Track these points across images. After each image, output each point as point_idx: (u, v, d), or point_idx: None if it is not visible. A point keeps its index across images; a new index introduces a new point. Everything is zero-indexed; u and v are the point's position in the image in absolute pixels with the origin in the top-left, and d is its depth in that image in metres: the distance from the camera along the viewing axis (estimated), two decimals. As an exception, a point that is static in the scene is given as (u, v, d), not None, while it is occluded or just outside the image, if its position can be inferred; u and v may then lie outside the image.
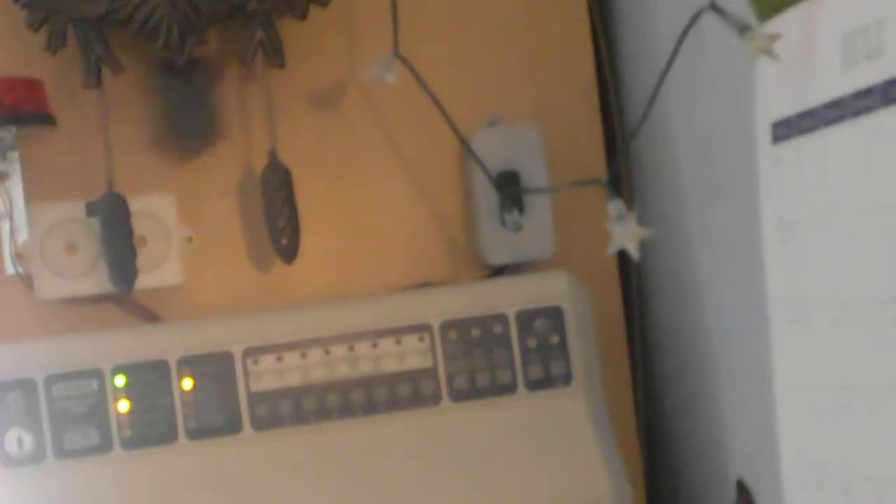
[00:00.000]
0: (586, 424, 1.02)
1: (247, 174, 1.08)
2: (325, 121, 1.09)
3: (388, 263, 1.09)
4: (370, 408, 1.01)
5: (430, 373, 1.02)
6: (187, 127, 1.06)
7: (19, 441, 0.98)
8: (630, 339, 1.11)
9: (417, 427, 1.01)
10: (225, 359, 1.00)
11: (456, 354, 1.02)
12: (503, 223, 1.07)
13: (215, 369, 1.00)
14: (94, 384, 0.98)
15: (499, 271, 1.10)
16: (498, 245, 1.08)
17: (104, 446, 0.98)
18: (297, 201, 1.05)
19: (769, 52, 0.74)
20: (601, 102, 1.13)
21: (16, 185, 1.03)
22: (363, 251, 1.09)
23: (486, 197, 1.08)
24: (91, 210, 1.02)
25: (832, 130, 0.69)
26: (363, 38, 1.09)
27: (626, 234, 0.85)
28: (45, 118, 1.01)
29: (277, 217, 1.04)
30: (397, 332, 1.02)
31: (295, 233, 1.05)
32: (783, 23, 0.74)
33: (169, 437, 0.99)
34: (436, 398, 1.02)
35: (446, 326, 1.02)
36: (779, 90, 0.75)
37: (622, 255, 1.01)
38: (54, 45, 0.99)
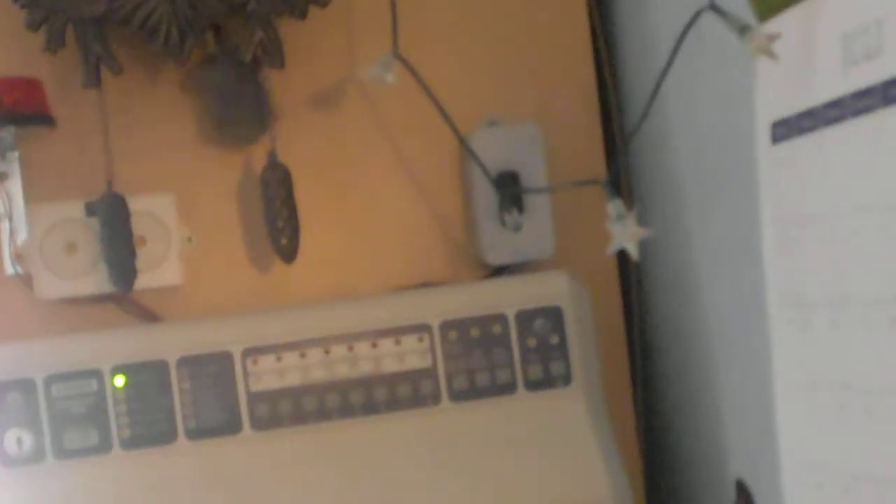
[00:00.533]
0: (586, 424, 1.02)
1: (247, 174, 1.08)
2: (325, 121, 1.09)
3: (388, 263, 1.09)
4: (370, 408, 1.01)
5: (430, 373, 1.02)
6: (240, 117, 1.05)
7: (19, 441, 0.98)
8: (630, 339, 1.11)
9: (417, 427, 1.01)
10: (224, 359, 1.00)
11: (456, 354, 1.02)
12: (503, 223, 1.07)
13: (215, 369, 1.00)
14: (94, 384, 0.98)
15: (499, 271, 1.10)
16: (498, 245, 1.08)
17: (104, 446, 0.98)
18: (297, 201, 1.05)
19: (769, 52, 0.74)
20: (601, 102, 1.13)
21: (15, 185, 1.03)
22: (363, 251, 1.09)
23: (486, 197, 1.08)
24: (91, 210, 1.02)
25: (832, 130, 0.69)
26: (363, 38, 1.09)
27: (625, 234, 0.85)
28: (44, 118, 1.02)
29: (277, 217, 1.04)
30: (397, 332, 1.02)
31: (294, 233, 1.05)
32: (783, 23, 0.74)
33: (168, 437, 0.99)
34: (435, 398, 1.02)
35: (446, 326, 1.02)
36: (778, 90, 0.75)
37: (622, 255, 1.01)
38: (54, 45, 0.99)
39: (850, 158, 0.67)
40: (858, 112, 0.66)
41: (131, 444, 0.98)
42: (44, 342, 1.01)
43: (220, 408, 0.99)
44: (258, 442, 1.00)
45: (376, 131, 1.10)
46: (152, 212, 1.03)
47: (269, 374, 1.00)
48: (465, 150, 1.08)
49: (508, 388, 1.02)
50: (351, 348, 1.01)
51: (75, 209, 1.02)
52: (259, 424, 1.00)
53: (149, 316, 1.06)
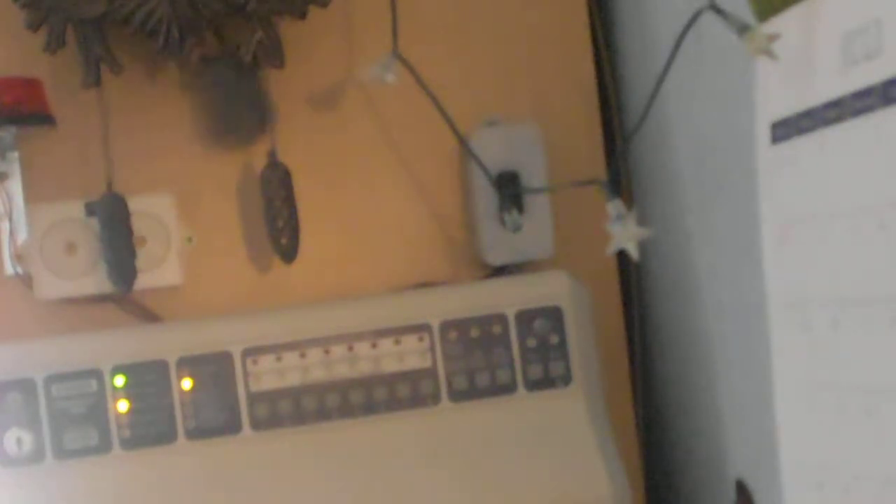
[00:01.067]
0: (586, 424, 1.02)
1: (247, 174, 1.08)
2: (325, 121, 1.09)
3: (388, 263, 1.09)
4: (370, 408, 1.01)
5: (430, 373, 1.02)
6: (241, 116, 1.05)
7: (19, 441, 0.98)
8: (630, 339, 1.11)
9: (417, 427, 1.01)
10: (224, 359, 1.00)
11: (455, 354, 1.02)
12: (503, 223, 1.07)
13: (215, 369, 1.00)
14: (94, 384, 0.98)
15: (498, 271, 1.10)
16: (498, 245, 1.08)
17: (104, 446, 0.98)
18: (297, 201, 1.05)
19: (769, 52, 0.74)
20: (601, 102, 1.13)
21: (15, 185, 1.03)
22: (363, 251, 1.09)
23: (486, 197, 1.08)
24: (91, 210, 1.02)
25: (832, 130, 0.69)
26: (363, 38, 1.09)
27: (625, 234, 0.85)
28: (45, 118, 1.01)
29: (277, 217, 1.04)
30: (397, 332, 1.02)
31: (294, 233, 1.05)
32: (783, 23, 0.74)
33: (168, 437, 0.99)
34: (435, 398, 1.02)
35: (446, 326, 1.02)
36: (778, 90, 0.75)
37: (622, 255, 1.01)
38: (54, 45, 0.99)
39: (850, 158, 0.67)
40: (858, 112, 0.66)
41: (131, 444, 0.98)
42: (44, 342, 1.01)
43: (220, 408, 0.99)
44: (258, 442, 1.00)
45: (376, 131, 1.10)
46: (152, 212, 1.03)
47: (269, 374, 1.00)
48: (465, 150, 1.08)
49: (508, 388, 1.02)
50: (351, 348, 1.01)
51: (75, 209, 1.02)
52: (259, 424, 1.00)
53: (149, 316, 1.06)
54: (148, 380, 0.99)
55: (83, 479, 0.98)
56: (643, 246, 0.86)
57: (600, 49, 1.12)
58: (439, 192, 1.10)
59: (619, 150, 1.10)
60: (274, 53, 1.03)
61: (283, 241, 1.04)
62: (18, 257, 1.03)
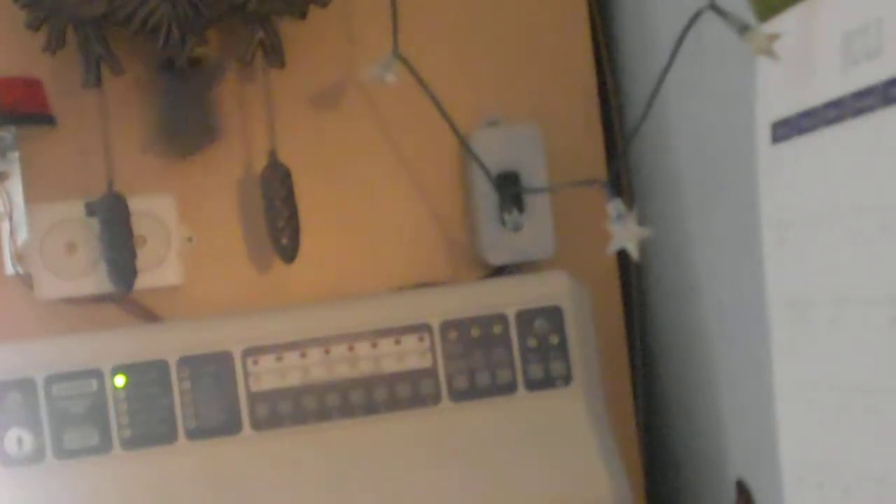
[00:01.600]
0: (586, 424, 1.02)
1: (247, 174, 1.08)
2: (325, 121, 1.09)
3: (388, 263, 1.09)
4: (370, 408, 1.01)
5: (430, 373, 1.02)
6: (185, 127, 1.06)
7: (19, 441, 0.98)
8: (630, 339, 1.11)
9: (417, 427, 1.01)
10: (225, 359, 1.00)
11: (456, 354, 1.02)
12: (503, 223, 1.07)
13: (215, 369, 1.00)
14: (94, 384, 0.98)
15: (499, 271, 1.10)
16: (498, 245, 1.08)
17: (104, 446, 0.98)
18: (297, 201, 1.05)
19: (769, 52, 0.74)
20: (601, 102, 1.13)
21: (16, 185, 1.03)
22: (363, 251, 1.09)
23: (486, 197, 1.08)
24: (91, 210, 1.02)
25: (832, 130, 0.69)
26: (363, 38, 1.09)
27: (625, 234, 0.85)
28: (45, 118, 1.01)
29: (277, 217, 1.04)
30: (397, 332, 1.02)
31: (295, 233, 1.05)
32: (783, 23, 0.74)
33: (169, 437, 0.99)
34: (435, 398, 1.02)
35: (446, 326, 1.02)
36: (779, 90, 0.75)
37: (622, 255, 1.01)
38: (54, 45, 0.99)
39: (850, 158, 0.67)
40: (858, 112, 0.66)
41: (131, 444, 0.98)
42: (44, 342, 1.01)
43: (221, 408, 0.99)
44: (258, 442, 1.00)
45: (376, 131, 1.10)
46: (152, 212, 1.03)
47: (270, 374, 1.00)
48: (465, 150, 1.08)
49: (508, 388, 1.02)
50: (351, 348, 1.01)
51: (75, 209, 1.02)
52: (259, 424, 1.00)
53: (149, 316, 1.06)
54: (148, 380, 0.99)
55: (83, 479, 0.98)
56: (643, 246, 0.86)
57: (600, 49, 1.12)
58: (439, 192, 1.10)
59: (619, 150, 1.10)
60: (274, 53, 1.03)
61: (283, 241, 1.04)
62: (18, 257, 1.03)
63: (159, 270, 1.04)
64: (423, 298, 1.05)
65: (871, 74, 0.64)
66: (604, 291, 1.10)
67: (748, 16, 0.77)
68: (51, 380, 0.98)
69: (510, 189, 1.07)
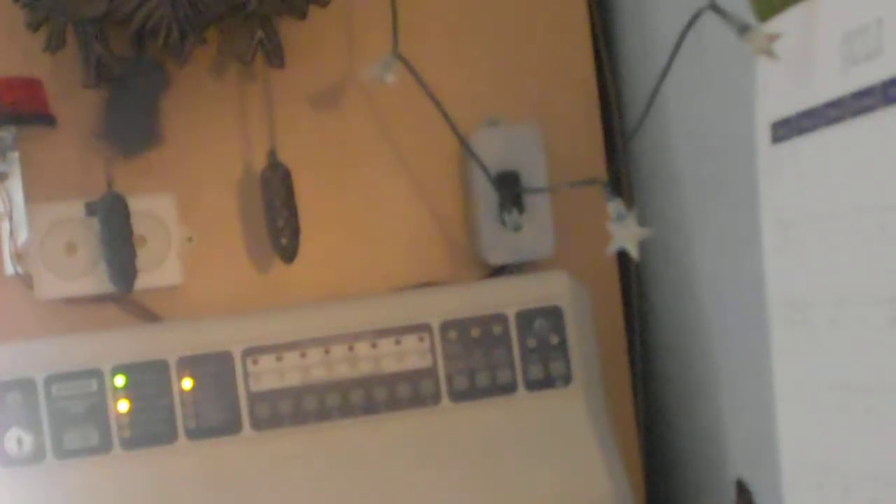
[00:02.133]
0: (586, 424, 1.02)
1: (247, 174, 1.08)
2: (325, 121, 1.09)
3: (388, 263, 1.09)
4: (370, 408, 1.01)
5: (430, 373, 1.02)
6: (127, 130, 1.06)
7: (19, 441, 0.98)
8: (630, 339, 1.11)
9: (417, 427, 1.01)
10: (225, 359, 1.00)
11: (456, 354, 1.02)
12: (503, 223, 1.07)
13: (215, 369, 1.00)
14: (94, 384, 0.98)
15: (499, 271, 1.10)
16: (498, 245, 1.08)
17: (104, 446, 0.98)
18: (297, 201, 1.05)
19: (769, 52, 0.74)
20: (601, 102, 1.13)
21: (16, 185, 1.03)
22: (363, 251, 1.09)
23: (486, 197, 1.08)
24: (91, 210, 1.02)
25: (832, 130, 0.69)
26: (363, 38, 1.09)
27: (625, 234, 0.85)
28: (45, 118, 1.01)
29: (277, 217, 1.04)
30: (397, 332, 1.02)
31: (295, 233, 1.05)
32: (783, 23, 0.74)
33: (169, 437, 0.99)
34: (435, 398, 1.02)
35: (446, 326, 1.02)
36: (779, 90, 0.75)
37: (622, 255, 1.01)
38: (54, 45, 0.99)
39: (850, 158, 0.67)
40: (858, 112, 0.66)
41: (131, 444, 0.98)
42: (44, 342, 1.01)
43: (221, 408, 0.99)
44: (258, 442, 1.00)
45: (376, 131, 1.10)
46: (152, 212, 1.03)
47: (269, 374, 1.00)
48: (465, 150, 1.08)
49: (508, 388, 1.02)
50: (351, 348, 1.01)
51: (75, 209, 1.02)
52: (259, 424, 1.00)
53: (149, 316, 1.06)
54: (148, 380, 0.99)
55: (83, 479, 0.98)
56: (643, 246, 0.86)
57: (600, 49, 1.12)
58: (439, 192, 1.10)
59: (619, 150, 1.10)
60: (274, 53, 1.03)
61: (283, 241, 1.04)
62: (18, 257, 1.03)
63: (159, 270, 1.04)
64: (423, 298, 1.05)
65: (871, 74, 0.64)
66: (604, 291, 1.10)
67: (748, 16, 0.77)
68: (51, 380, 0.98)
69: (510, 189, 1.07)
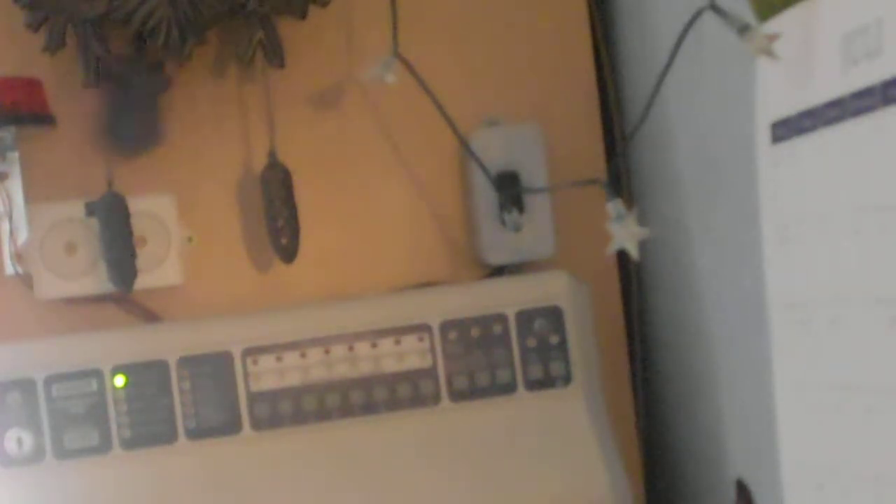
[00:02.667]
0: (586, 424, 1.02)
1: (247, 174, 1.08)
2: (325, 121, 1.09)
3: (388, 263, 1.09)
4: (370, 408, 1.01)
5: (430, 373, 1.02)
6: (128, 130, 1.06)
7: (19, 441, 0.98)
8: (630, 339, 1.11)
9: (417, 427, 1.01)
10: (224, 359, 1.00)
11: (456, 354, 1.02)
12: (503, 223, 1.07)
13: (215, 369, 1.00)
14: (94, 384, 0.98)
15: (499, 271, 1.10)
16: (498, 245, 1.08)
17: (104, 446, 0.98)
18: (297, 201, 1.05)
19: (769, 52, 0.74)
20: (601, 102, 1.13)
21: (16, 185, 1.03)
22: (363, 251, 1.09)
23: (486, 197, 1.08)
24: (91, 210, 1.02)
25: (832, 130, 0.69)
26: (363, 38, 1.09)
27: (625, 234, 0.85)
28: (45, 118, 1.01)
29: (277, 217, 1.04)
30: (397, 332, 1.02)
31: (294, 233, 1.05)
32: (783, 23, 0.74)
33: (169, 437, 0.99)
34: (435, 398, 1.02)
35: (446, 326, 1.02)
36: (779, 90, 0.75)
37: (622, 255, 1.01)
38: (54, 45, 0.99)
39: (850, 158, 0.67)
40: (858, 112, 0.66)
41: (131, 444, 0.98)
42: (44, 342, 1.01)
43: (221, 408, 0.99)
44: (258, 442, 1.00)
45: (376, 131, 1.10)
46: (152, 212, 1.03)
47: (269, 374, 1.00)
48: (465, 150, 1.08)
49: (508, 388, 1.02)
50: (351, 348, 1.01)
51: (75, 209, 1.02)
52: (259, 424, 1.00)
53: (149, 316, 1.06)
54: (148, 380, 0.99)
55: (83, 479, 0.98)
56: (643, 246, 0.86)
57: (600, 49, 1.12)
58: (439, 192, 1.10)
59: (619, 150, 1.10)
60: (274, 53, 1.03)
61: (283, 241, 1.04)
62: (18, 257, 1.03)
63: (159, 270, 1.04)
64: (423, 298, 1.05)
65: (871, 74, 0.64)
66: (604, 291, 1.10)
67: (748, 16, 0.77)
68: (51, 380, 0.98)
69: (510, 189, 1.07)
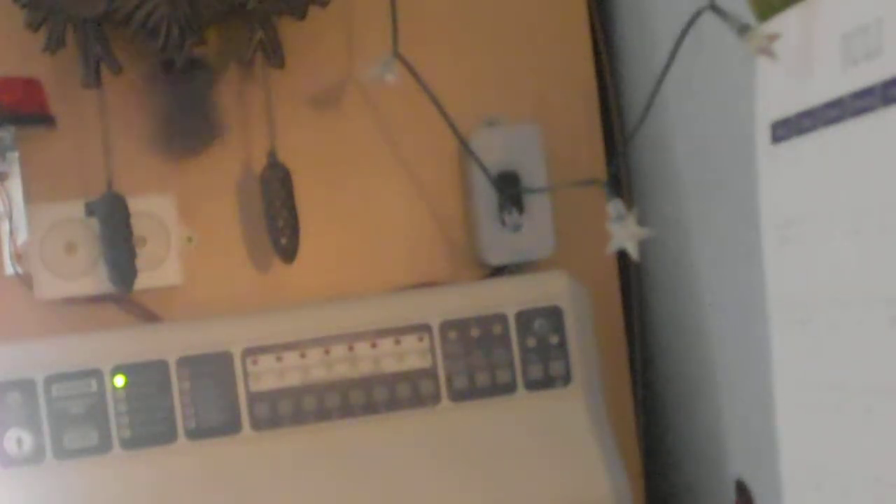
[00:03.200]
0: (586, 424, 1.02)
1: (247, 174, 1.08)
2: (325, 121, 1.09)
3: (388, 263, 1.09)
4: (370, 408, 1.01)
5: (430, 373, 1.02)
6: (186, 127, 1.06)
7: (19, 441, 0.98)
8: (630, 339, 1.11)
9: (417, 427, 1.01)
10: (224, 359, 1.00)
11: (455, 354, 1.02)
12: (503, 223, 1.07)
13: (215, 369, 1.00)
14: (94, 384, 0.98)
15: (498, 271, 1.10)
16: (498, 245, 1.08)
17: (103, 446, 0.98)
18: (297, 201, 1.05)
19: (769, 52, 0.74)
20: (601, 102, 1.13)
21: (15, 185, 1.03)
22: (363, 251, 1.09)
23: (486, 197, 1.08)
24: (90, 210, 1.02)
25: (832, 130, 0.69)
26: (363, 38, 1.09)
27: (625, 234, 0.85)
28: (44, 118, 1.01)
29: (277, 217, 1.04)
30: (397, 332, 1.02)
31: (294, 233, 1.05)
32: (783, 23, 0.74)
33: (168, 437, 0.99)
34: (435, 398, 1.02)
35: (446, 326, 1.02)
36: (778, 90, 0.75)
37: (622, 255, 1.01)
38: (53, 45, 0.99)
39: (850, 158, 0.67)
40: (858, 112, 0.66)
41: (131, 444, 0.98)
42: (44, 342, 1.01)
43: (220, 408, 0.99)
44: (258, 442, 1.00)
45: (376, 131, 1.10)
46: (152, 212, 1.03)
47: (269, 374, 1.00)
48: (465, 150, 1.08)
49: (508, 388, 1.02)
50: (351, 348, 1.01)
51: (75, 209, 1.02)
52: (259, 424, 1.00)
53: (149, 316, 1.06)
54: (148, 380, 0.99)
55: (83, 479, 0.98)
56: (643, 246, 0.86)
57: (600, 49, 1.12)
58: (439, 192, 1.10)
59: (619, 150, 1.10)
60: (274, 53, 1.03)
61: (283, 241, 1.04)
62: (18, 257, 1.03)
63: (159, 270, 1.04)
64: (423, 298, 1.05)
65: (870, 74, 0.64)
66: (604, 291, 1.10)
67: (748, 16, 0.77)
68: (51, 380, 0.98)
69: (510, 189, 1.07)
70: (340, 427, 1.00)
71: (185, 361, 0.99)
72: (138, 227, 1.02)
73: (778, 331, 0.77)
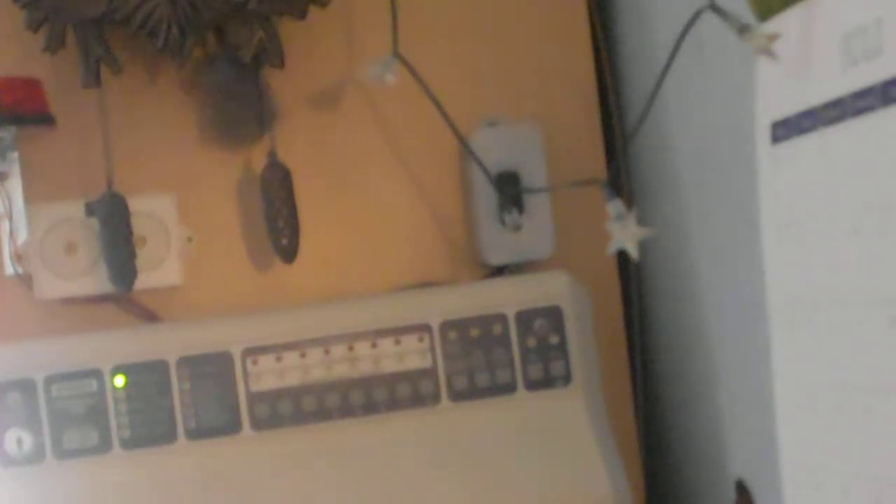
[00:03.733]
0: (586, 424, 1.02)
1: (247, 174, 1.08)
2: (325, 121, 1.09)
3: (388, 263, 1.09)
4: (370, 408, 1.01)
5: (430, 373, 1.02)
6: (245, 115, 1.05)
7: (19, 441, 0.98)
8: (630, 339, 1.11)
9: (417, 427, 1.01)
10: (224, 359, 1.00)
11: (455, 354, 1.02)
12: (503, 223, 1.07)
13: (215, 369, 1.00)
14: (94, 384, 0.98)
15: (498, 271, 1.10)
16: (497, 245, 1.08)
17: (103, 446, 0.98)
18: (297, 201, 1.05)
19: (769, 52, 0.74)
20: (601, 102, 1.13)
21: (15, 185, 1.03)
22: (363, 251, 1.09)
23: (486, 197, 1.08)
24: (90, 210, 1.02)
25: (832, 130, 0.69)
26: (363, 38, 1.09)
27: (625, 234, 0.85)
28: (44, 118, 1.01)
29: (277, 217, 1.04)
30: (397, 332, 1.02)
31: (295, 233, 1.05)
32: (783, 23, 0.74)
33: (168, 437, 0.99)
34: (435, 398, 1.02)
35: (446, 326, 1.02)
36: (778, 90, 0.75)
37: (622, 255, 1.01)
38: (54, 45, 0.99)
39: (850, 158, 0.67)
40: (858, 112, 0.66)
41: (131, 444, 0.98)
42: (44, 342, 1.01)
43: (220, 408, 0.99)
44: (258, 442, 1.00)
45: (376, 131, 1.10)
46: (152, 212, 1.03)
47: (269, 374, 1.00)
48: (465, 150, 1.08)
49: (508, 388, 1.02)
50: (351, 348, 1.01)
51: (75, 209, 1.02)
52: (259, 424, 1.00)
53: (149, 316, 1.06)
54: (148, 380, 0.99)
55: (83, 479, 0.98)
56: (643, 246, 0.86)
57: (600, 49, 1.12)
58: (439, 192, 1.10)
59: (619, 150, 1.10)
60: (274, 53, 1.03)
61: (283, 241, 1.04)
62: (18, 257, 1.03)
63: (159, 270, 1.04)
64: (423, 298, 1.05)
65: (870, 74, 0.64)
66: (604, 291, 1.10)
67: (748, 16, 0.77)
68: (51, 380, 0.98)
69: (510, 189, 1.07)
70: (340, 427, 1.00)
71: (185, 361, 0.99)
72: (138, 227, 1.02)
73: (778, 331, 0.77)
